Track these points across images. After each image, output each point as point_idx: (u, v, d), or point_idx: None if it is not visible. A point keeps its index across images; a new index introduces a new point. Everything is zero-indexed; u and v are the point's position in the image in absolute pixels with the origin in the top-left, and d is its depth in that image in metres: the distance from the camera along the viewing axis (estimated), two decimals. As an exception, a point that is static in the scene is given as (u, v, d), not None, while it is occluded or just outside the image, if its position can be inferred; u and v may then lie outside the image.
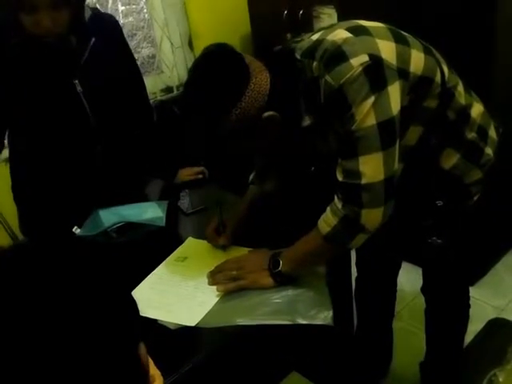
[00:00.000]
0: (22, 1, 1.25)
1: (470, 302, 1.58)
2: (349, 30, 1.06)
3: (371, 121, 1.03)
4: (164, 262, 1.33)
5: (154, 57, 2.80)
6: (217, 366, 1.13)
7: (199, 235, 1.41)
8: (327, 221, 1.12)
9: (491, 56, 1.82)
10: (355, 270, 1.70)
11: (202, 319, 1.12)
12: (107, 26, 1.53)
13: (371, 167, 1.05)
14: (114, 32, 1.55)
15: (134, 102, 1.65)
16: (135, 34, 2.71)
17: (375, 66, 1.02)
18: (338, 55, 1.03)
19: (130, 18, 2.69)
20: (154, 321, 1.12)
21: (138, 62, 2.37)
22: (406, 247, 1.56)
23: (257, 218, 1.39)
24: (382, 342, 1.84)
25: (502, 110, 1.47)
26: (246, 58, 1.07)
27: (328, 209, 1.13)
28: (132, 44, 2.60)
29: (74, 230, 1.47)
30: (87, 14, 1.43)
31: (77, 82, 1.45)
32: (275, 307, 1.13)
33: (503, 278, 2.31)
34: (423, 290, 1.54)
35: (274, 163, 1.42)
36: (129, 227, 1.46)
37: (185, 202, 1.62)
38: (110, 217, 1.47)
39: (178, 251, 1.38)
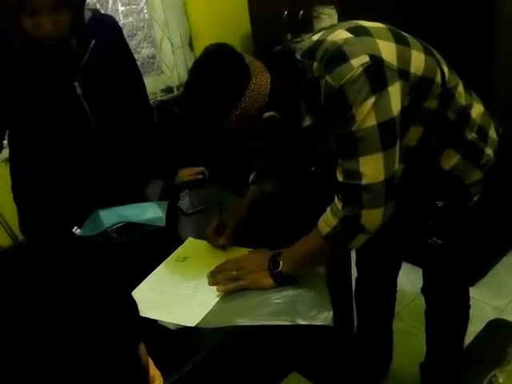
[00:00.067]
0: (22, 4, 1.24)
1: (470, 303, 1.58)
2: (349, 30, 1.06)
3: (372, 121, 1.02)
4: (164, 262, 1.33)
5: (154, 57, 2.80)
6: (217, 366, 1.13)
7: (199, 235, 1.41)
8: (327, 221, 1.12)
9: (491, 56, 1.82)
10: (355, 270, 1.70)
11: (202, 319, 1.12)
12: (107, 27, 1.53)
13: (371, 168, 1.05)
14: (113, 33, 1.55)
15: (134, 102, 1.65)
16: (135, 35, 2.71)
17: (376, 66, 1.02)
18: (338, 56, 1.03)
19: (130, 19, 2.69)
20: (154, 321, 1.12)
21: (138, 63, 2.37)
22: (406, 248, 1.56)
23: (257, 219, 1.39)
24: (382, 342, 1.84)
25: (502, 111, 1.47)
26: (246, 58, 1.07)
27: (328, 209, 1.13)
28: (132, 44, 2.60)
29: (74, 230, 1.47)
30: (87, 15, 1.43)
31: (77, 84, 1.45)
32: (275, 307, 1.13)
33: (503, 279, 2.31)
34: (423, 290, 1.54)
35: (274, 163, 1.42)
36: (129, 227, 1.46)
37: (185, 202, 1.62)
38: (110, 217, 1.47)
39: (178, 251, 1.38)
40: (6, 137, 1.56)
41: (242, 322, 1.10)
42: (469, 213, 1.34)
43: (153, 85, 2.65)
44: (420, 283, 1.53)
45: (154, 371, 0.67)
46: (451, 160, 1.24)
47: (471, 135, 1.24)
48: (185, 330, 1.10)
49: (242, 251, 1.32)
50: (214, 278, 1.23)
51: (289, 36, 2.46)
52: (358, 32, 1.06)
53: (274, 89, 1.06)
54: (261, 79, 1.05)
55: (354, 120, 1.03)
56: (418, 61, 1.09)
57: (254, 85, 1.04)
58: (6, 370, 0.45)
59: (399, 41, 1.08)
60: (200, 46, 2.55)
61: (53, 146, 1.52)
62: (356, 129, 1.03)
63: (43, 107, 1.45)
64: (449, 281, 1.49)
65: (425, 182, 1.28)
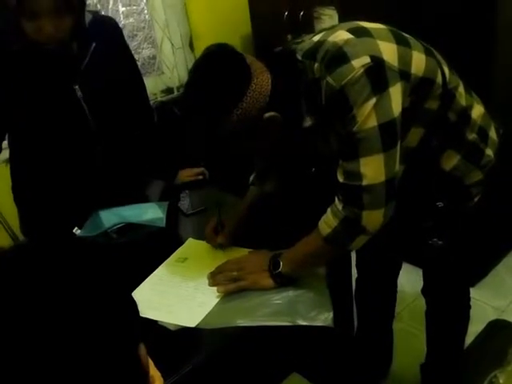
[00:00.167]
0: (23, 7, 1.24)
1: (471, 303, 1.57)
2: (350, 31, 1.06)
3: (372, 122, 1.02)
4: (164, 263, 1.33)
5: (154, 58, 2.79)
6: (217, 366, 1.13)
7: (199, 236, 1.41)
8: (328, 222, 1.12)
9: (491, 56, 1.82)
10: (355, 270, 1.70)
11: (202, 320, 1.12)
12: (107, 29, 1.53)
13: (372, 169, 1.05)
14: (114, 35, 1.55)
15: (134, 103, 1.65)
16: (136, 35, 2.71)
17: (377, 67, 1.02)
18: (339, 56, 1.03)
19: (131, 19, 2.69)
20: (155, 322, 1.12)
21: (139, 63, 2.37)
22: (406, 248, 1.56)
23: (257, 219, 1.39)
24: (383, 343, 1.84)
25: (502, 111, 1.47)
26: (247, 59, 1.07)
27: (328, 210, 1.13)
28: (133, 45, 2.60)
29: (74, 230, 1.47)
30: (87, 17, 1.43)
31: (77, 87, 1.45)
32: (275, 308, 1.13)
33: (504, 279, 2.31)
34: (424, 291, 1.54)
35: (274, 164, 1.42)
36: (129, 228, 1.46)
37: (185, 203, 1.62)
38: (110, 217, 1.47)
39: (179, 252, 1.38)
40: (7, 138, 1.56)
41: (242, 322, 1.10)
42: (469, 213, 1.34)
43: (153, 85, 2.65)
44: (420, 284, 1.53)
45: (154, 372, 0.66)
46: (452, 161, 1.23)
47: (472, 136, 1.24)
48: (185, 331, 1.10)
49: (243, 252, 1.32)
50: (214, 278, 1.23)
51: (289, 37, 2.46)
52: (358, 33, 1.06)
53: (274, 89, 1.06)
54: (262, 79, 1.05)
55: (354, 121, 1.03)
56: (418, 62, 1.09)
57: (255, 85, 1.04)
58: (6, 370, 0.45)
59: (400, 42, 1.08)
60: (200, 47, 2.54)
61: (53, 147, 1.52)
62: (357, 130, 1.03)
63: (43, 110, 1.45)
64: (449, 281, 1.49)
65: (425, 183, 1.28)
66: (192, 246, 1.40)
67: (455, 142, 1.23)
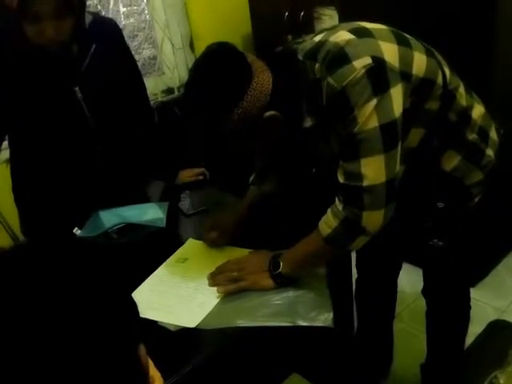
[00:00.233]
0: (25, 10, 1.24)
1: (471, 304, 1.57)
2: (351, 31, 1.06)
3: (373, 123, 1.02)
4: (164, 264, 1.33)
5: (155, 58, 2.80)
6: (217, 367, 1.13)
7: (200, 236, 1.41)
8: (328, 222, 1.12)
9: (491, 56, 1.82)
10: (355, 270, 1.69)
11: (202, 320, 1.12)
12: (108, 30, 1.53)
13: (373, 169, 1.05)
14: (114, 36, 1.55)
15: (134, 103, 1.65)
16: (136, 36, 2.71)
17: (378, 68, 1.02)
18: (340, 57, 1.03)
19: (131, 20, 2.69)
20: (154, 322, 1.12)
21: (139, 64, 2.37)
22: (406, 248, 1.56)
23: (257, 219, 1.39)
24: (383, 343, 1.84)
25: (502, 111, 1.47)
26: (248, 57, 1.06)
27: (329, 210, 1.13)
28: (133, 45, 2.60)
29: (74, 231, 1.47)
30: (87, 19, 1.43)
31: (77, 89, 1.45)
32: (275, 309, 1.13)
33: (504, 280, 2.31)
34: (424, 292, 1.54)
35: (274, 164, 1.42)
36: (129, 228, 1.45)
37: (185, 203, 1.62)
38: (110, 218, 1.47)
39: (179, 252, 1.38)
40: (7, 138, 1.56)
41: (243, 323, 1.10)
42: (470, 214, 1.34)
43: (153, 86, 2.65)
44: (421, 284, 1.53)
45: (154, 372, 0.66)
46: (452, 161, 1.23)
47: (472, 136, 1.24)
48: (185, 331, 1.10)
49: (243, 252, 1.32)
50: (215, 279, 1.22)
51: (289, 37, 2.46)
52: (360, 33, 1.06)
53: (275, 88, 1.06)
54: (263, 78, 1.05)
55: (355, 122, 1.03)
56: (419, 62, 1.09)
57: (256, 84, 1.04)
58: (6, 370, 0.45)
59: (401, 42, 1.08)
60: (201, 47, 2.54)
61: (53, 147, 1.52)
62: (358, 130, 1.03)
63: (43, 111, 1.45)
64: (449, 282, 1.49)
65: (426, 183, 1.28)
66: (192, 247, 1.40)
67: (456, 142, 1.23)
